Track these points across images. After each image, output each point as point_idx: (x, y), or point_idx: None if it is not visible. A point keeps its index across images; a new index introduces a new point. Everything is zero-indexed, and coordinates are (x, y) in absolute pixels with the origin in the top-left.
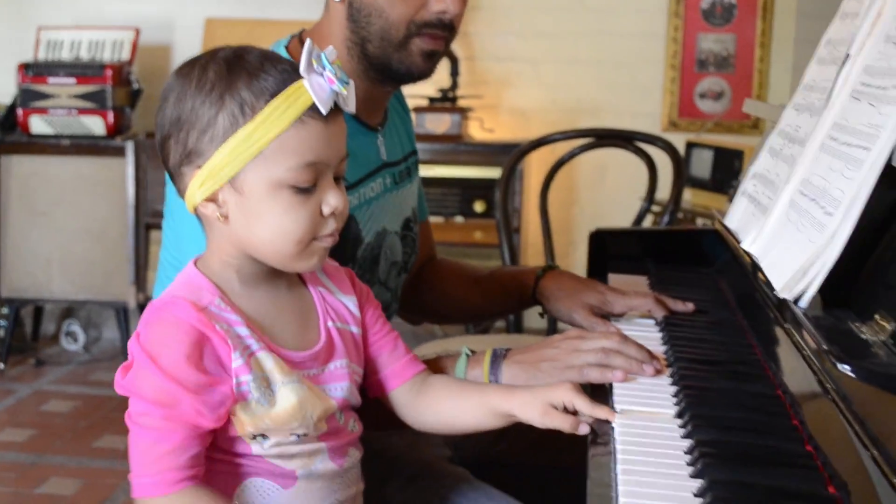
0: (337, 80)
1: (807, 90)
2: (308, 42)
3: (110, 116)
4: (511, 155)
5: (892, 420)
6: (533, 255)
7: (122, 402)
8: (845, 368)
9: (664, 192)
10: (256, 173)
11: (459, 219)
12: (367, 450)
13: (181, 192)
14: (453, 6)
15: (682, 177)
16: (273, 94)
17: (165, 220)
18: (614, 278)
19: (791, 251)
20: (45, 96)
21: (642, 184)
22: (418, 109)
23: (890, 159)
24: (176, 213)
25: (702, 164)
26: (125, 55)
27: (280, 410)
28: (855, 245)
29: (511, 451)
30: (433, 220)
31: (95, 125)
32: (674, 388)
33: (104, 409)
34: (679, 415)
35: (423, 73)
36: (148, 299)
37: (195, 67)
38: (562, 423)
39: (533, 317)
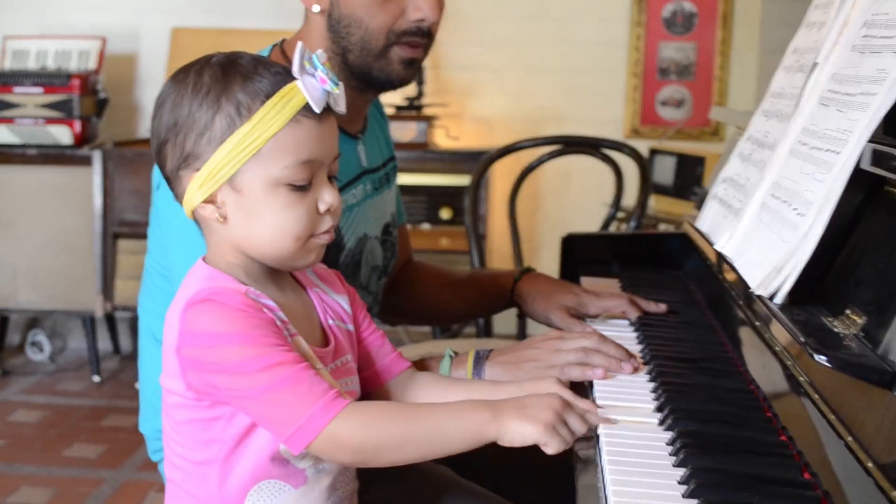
0: (328, 80)
1: (774, 97)
2: (300, 45)
3: (77, 126)
4: (480, 162)
5: (865, 407)
6: (499, 261)
7: (91, 412)
8: (822, 359)
9: (628, 198)
10: (254, 172)
11: (426, 226)
12: None
13: (179, 197)
14: (431, 14)
15: (648, 183)
16: (268, 95)
17: (151, 228)
18: (587, 281)
19: (764, 251)
20: (11, 106)
21: (605, 190)
22: None
23: (858, 162)
24: (164, 221)
25: (664, 171)
26: (92, 64)
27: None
28: (822, 245)
29: (495, 449)
30: None
31: (62, 135)
32: (652, 385)
33: (73, 418)
34: (658, 409)
35: (404, 81)
36: (115, 308)
37: (190, 73)
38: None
39: (502, 321)
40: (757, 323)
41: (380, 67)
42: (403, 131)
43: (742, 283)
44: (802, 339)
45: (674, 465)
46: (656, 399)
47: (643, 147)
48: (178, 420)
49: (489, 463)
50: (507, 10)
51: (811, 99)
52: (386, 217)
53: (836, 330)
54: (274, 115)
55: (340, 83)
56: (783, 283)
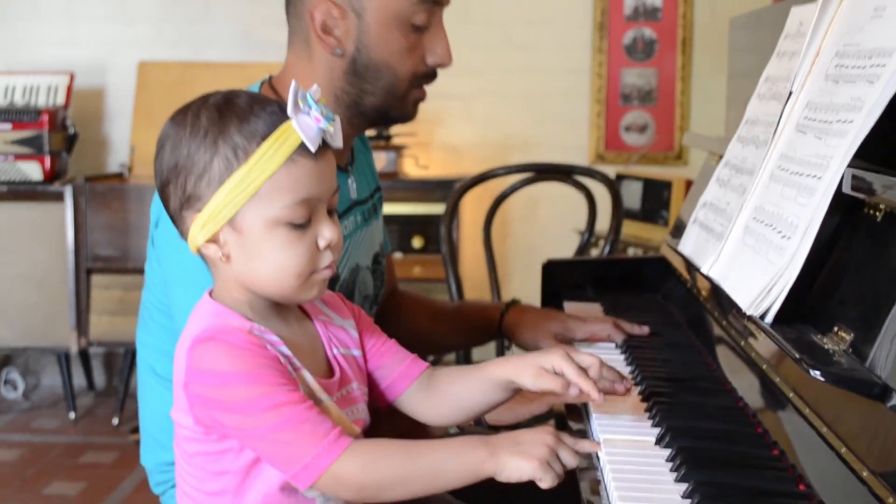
0: (323, 117)
1: (750, 124)
2: (294, 83)
3: (47, 161)
4: (454, 190)
5: (858, 419)
6: (472, 288)
7: (68, 449)
8: (817, 374)
9: (600, 223)
10: (253, 213)
11: (398, 255)
12: None
13: (183, 235)
14: (448, 59)
15: (621, 208)
16: (264, 137)
17: (149, 264)
18: (570, 306)
19: (751, 273)
20: None
21: (573, 216)
22: None
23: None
24: (164, 258)
25: (632, 196)
26: (60, 100)
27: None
28: (805, 265)
29: None
30: None
31: (32, 171)
32: (645, 404)
33: (50, 455)
34: (654, 427)
35: (412, 118)
36: (90, 343)
37: (188, 114)
38: (553, 385)
39: (481, 352)
40: (742, 342)
41: (398, 108)
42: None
43: (725, 304)
44: (797, 356)
45: (676, 481)
46: (651, 418)
47: (609, 172)
48: (188, 452)
49: (488, 483)
50: (473, 39)
51: (788, 126)
52: (375, 247)
53: (826, 346)
54: (270, 156)
55: (336, 118)
56: (773, 303)
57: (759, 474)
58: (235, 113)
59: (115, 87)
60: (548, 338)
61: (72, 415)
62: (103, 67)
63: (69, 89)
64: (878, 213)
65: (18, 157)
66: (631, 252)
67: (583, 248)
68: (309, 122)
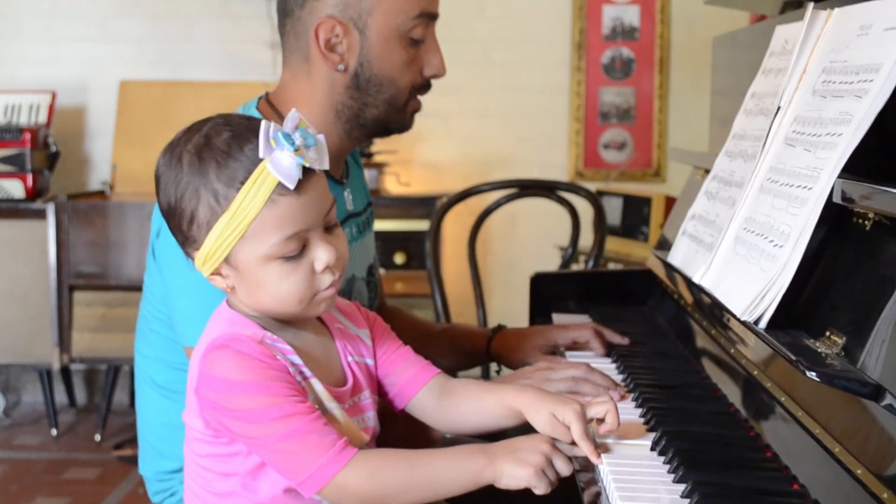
0: (303, 146)
1: (737, 139)
2: (263, 123)
3: (30, 179)
4: (439, 206)
5: (852, 419)
6: (453, 304)
7: (50, 465)
8: (812, 375)
9: (583, 239)
10: (245, 252)
11: (381, 271)
12: None
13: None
14: (443, 70)
15: (604, 223)
16: (242, 182)
17: (148, 274)
18: (559, 318)
19: (745, 281)
20: None
21: (553, 232)
22: None
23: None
24: (165, 266)
25: (612, 212)
26: (42, 118)
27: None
28: (796, 273)
29: None
30: None
31: (15, 188)
32: (640, 410)
33: (33, 471)
34: (651, 430)
35: (409, 128)
36: (72, 360)
37: (173, 155)
38: (560, 436)
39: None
40: (732, 350)
41: (397, 119)
42: None
43: (713, 314)
44: (793, 358)
45: (674, 482)
46: (646, 423)
47: (589, 189)
48: (198, 454)
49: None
50: (453, 58)
51: (777, 140)
52: (370, 259)
53: (819, 350)
54: (250, 200)
55: (319, 139)
56: (766, 309)
57: (754, 475)
58: (214, 157)
59: (97, 106)
60: (534, 352)
61: (53, 431)
62: (85, 86)
63: (51, 108)
64: (866, 223)
65: (1, 174)
66: (612, 267)
67: (566, 263)
68: (284, 158)
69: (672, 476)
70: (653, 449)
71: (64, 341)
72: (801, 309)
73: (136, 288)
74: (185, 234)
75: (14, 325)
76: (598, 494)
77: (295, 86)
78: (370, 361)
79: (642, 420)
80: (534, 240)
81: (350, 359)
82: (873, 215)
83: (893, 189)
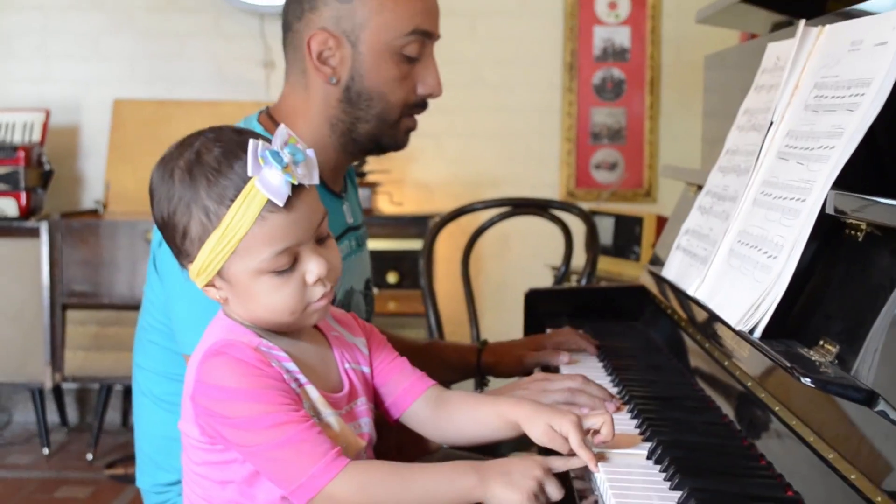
0: (292, 163)
1: (730, 154)
2: (251, 142)
3: (23, 198)
4: (433, 224)
5: (846, 425)
6: (446, 323)
7: (42, 484)
8: (807, 381)
9: (575, 258)
10: (237, 266)
11: (374, 290)
12: None
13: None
14: (439, 90)
15: (597, 241)
16: (232, 199)
17: (148, 284)
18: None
19: (739, 292)
20: None
21: (545, 251)
22: None
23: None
24: (167, 274)
25: (604, 231)
26: (36, 136)
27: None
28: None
29: None
30: None
31: (8, 207)
32: (635, 421)
33: (25, 491)
34: (646, 440)
35: (403, 146)
36: (65, 379)
37: (166, 170)
38: (558, 447)
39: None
40: (726, 362)
41: (390, 135)
42: None
43: (707, 327)
44: (788, 365)
45: (670, 489)
46: (641, 434)
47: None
48: (195, 462)
49: None
50: (445, 78)
51: (770, 154)
52: (367, 272)
53: (813, 358)
54: (240, 217)
55: (309, 154)
56: (761, 319)
57: (749, 482)
58: (205, 174)
59: (90, 125)
60: (527, 354)
61: (45, 450)
62: (78, 105)
63: (45, 126)
64: (858, 234)
65: None
66: (603, 286)
67: (559, 281)
68: (272, 176)
69: (668, 484)
70: (649, 458)
71: (56, 360)
72: (794, 319)
73: (129, 307)
74: (179, 247)
75: (6, 343)
76: (595, 503)
77: (294, 99)
78: (366, 369)
79: (638, 431)
80: (526, 259)
81: (347, 365)
82: (865, 226)
83: (885, 201)
